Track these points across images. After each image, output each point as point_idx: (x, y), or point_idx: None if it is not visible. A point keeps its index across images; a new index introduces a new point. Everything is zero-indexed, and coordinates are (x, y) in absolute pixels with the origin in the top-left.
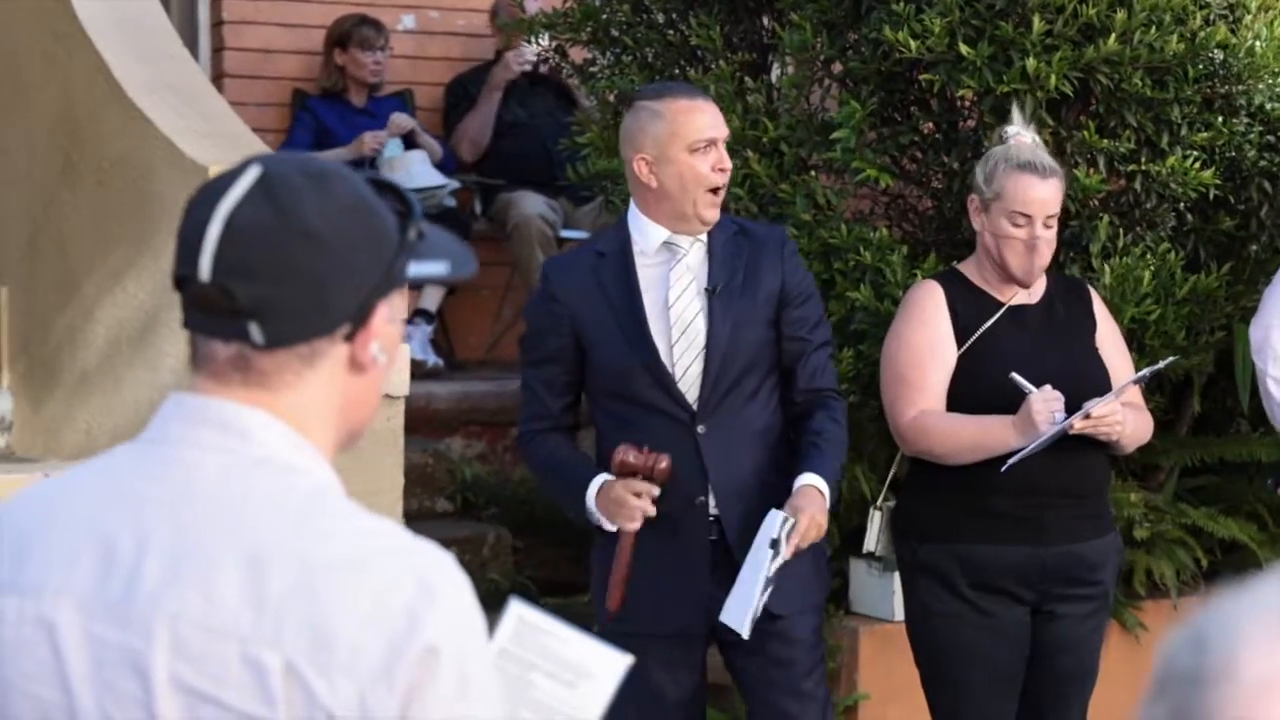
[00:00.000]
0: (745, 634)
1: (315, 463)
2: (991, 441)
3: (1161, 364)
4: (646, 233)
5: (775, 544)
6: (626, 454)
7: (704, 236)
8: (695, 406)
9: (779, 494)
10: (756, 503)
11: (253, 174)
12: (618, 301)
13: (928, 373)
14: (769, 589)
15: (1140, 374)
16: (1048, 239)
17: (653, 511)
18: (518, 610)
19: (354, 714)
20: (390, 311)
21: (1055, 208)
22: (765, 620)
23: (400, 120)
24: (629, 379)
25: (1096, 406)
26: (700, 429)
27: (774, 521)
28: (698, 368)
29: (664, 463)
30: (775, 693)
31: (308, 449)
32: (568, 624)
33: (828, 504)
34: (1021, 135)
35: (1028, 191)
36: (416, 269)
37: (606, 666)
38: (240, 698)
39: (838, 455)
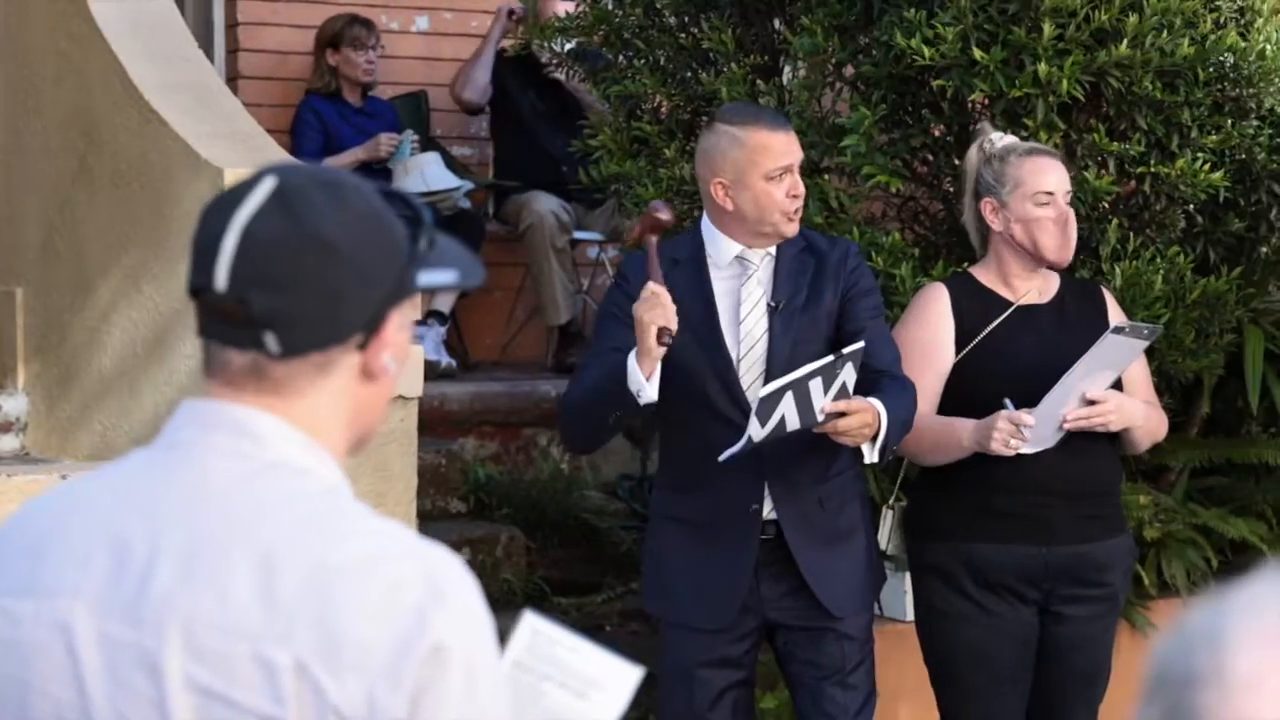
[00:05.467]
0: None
1: (326, 466)
2: (949, 442)
3: (1146, 331)
4: (720, 245)
5: (839, 360)
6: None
7: (774, 250)
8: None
9: (833, 497)
10: (811, 505)
11: (268, 185)
12: (692, 309)
13: (921, 375)
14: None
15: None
16: (1072, 216)
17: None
18: (531, 621)
19: (362, 712)
20: (401, 320)
21: (1069, 186)
22: (823, 618)
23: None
24: (699, 382)
25: (1073, 409)
26: None
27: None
28: (761, 383)
29: (664, 214)
30: (825, 684)
31: (319, 452)
32: (580, 635)
33: (883, 426)
34: (1005, 137)
35: (1045, 173)
36: (427, 278)
37: (618, 678)
38: (251, 697)
39: (903, 406)
